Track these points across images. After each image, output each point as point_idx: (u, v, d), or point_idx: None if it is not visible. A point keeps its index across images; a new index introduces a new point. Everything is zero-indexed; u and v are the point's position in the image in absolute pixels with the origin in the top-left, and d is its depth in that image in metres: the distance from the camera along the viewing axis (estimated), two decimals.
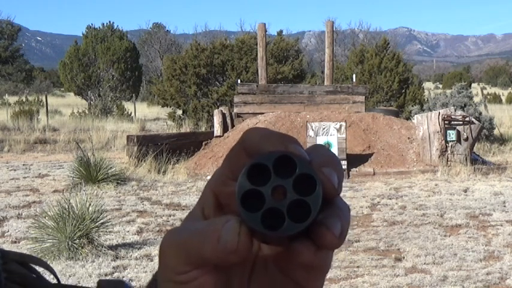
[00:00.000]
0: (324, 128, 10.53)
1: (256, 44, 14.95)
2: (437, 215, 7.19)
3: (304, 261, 0.35)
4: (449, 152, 10.82)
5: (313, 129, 10.52)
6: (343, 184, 0.35)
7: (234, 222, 0.34)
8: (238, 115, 12.98)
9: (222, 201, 0.37)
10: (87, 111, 24.67)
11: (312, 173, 0.32)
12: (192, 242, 0.35)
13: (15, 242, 6.01)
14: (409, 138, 11.44)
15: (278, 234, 0.32)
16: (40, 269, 0.51)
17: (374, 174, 10.38)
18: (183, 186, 9.42)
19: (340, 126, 10.53)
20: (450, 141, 10.82)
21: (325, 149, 0.36)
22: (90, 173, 9.10)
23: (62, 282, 0.51)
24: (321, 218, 0.33)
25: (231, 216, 0.35)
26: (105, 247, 5.50)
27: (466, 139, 10.85)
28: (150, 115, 29.49)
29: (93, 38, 34.35)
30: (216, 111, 12.98)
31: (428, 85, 64.14)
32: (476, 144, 12.40)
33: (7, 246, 5.82)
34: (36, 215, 6.66)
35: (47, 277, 0.50)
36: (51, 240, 5.39)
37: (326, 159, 0.35)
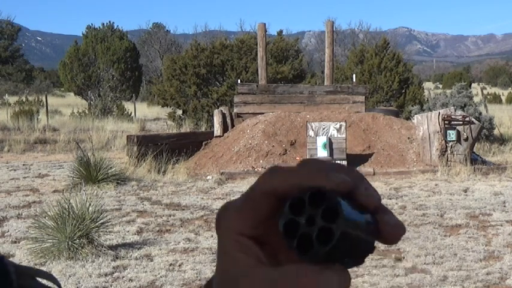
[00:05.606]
0: (324, 128, 10.54)
1: (256, 44, 14.95)
2: (437, 215, 7.19)
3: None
4: (449, 152, 10.82)
5: (313, 129, 10.52)
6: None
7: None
8: (238, 115, 12.98)
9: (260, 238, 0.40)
10: (87, 111, 24.65)
11: (336, 205, 0.37)
12: None
13: (15, 242, 6.01)
14: (409, 138, 11.44)
15: (308, 257, 0.38)
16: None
17: (374, 174, 10.38)
18: (183, 186, 9.42)
19: (340, 126, 10.53)
20: (450, 141, 10.82)
21: (353, 172, 0.39)
22: (90, 173, 9.10)
23: (62, 282, 0.51)
24: (383, 220, 0.39)
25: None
26: (105, 247, 5.50)
27: (466, 139, 10.85)
28: (150, 115, 29.50)
29: (93, 38, 34.37)
30: (216, 111, 12.98)
31: (428, 85, 64.11)
32: (476, 144, 12.40)
33: (7, 246, 5.83)
34: (36, 215, 6.66)
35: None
36: (51, 240, 5.38)
37: (355, 183, 0.38)
